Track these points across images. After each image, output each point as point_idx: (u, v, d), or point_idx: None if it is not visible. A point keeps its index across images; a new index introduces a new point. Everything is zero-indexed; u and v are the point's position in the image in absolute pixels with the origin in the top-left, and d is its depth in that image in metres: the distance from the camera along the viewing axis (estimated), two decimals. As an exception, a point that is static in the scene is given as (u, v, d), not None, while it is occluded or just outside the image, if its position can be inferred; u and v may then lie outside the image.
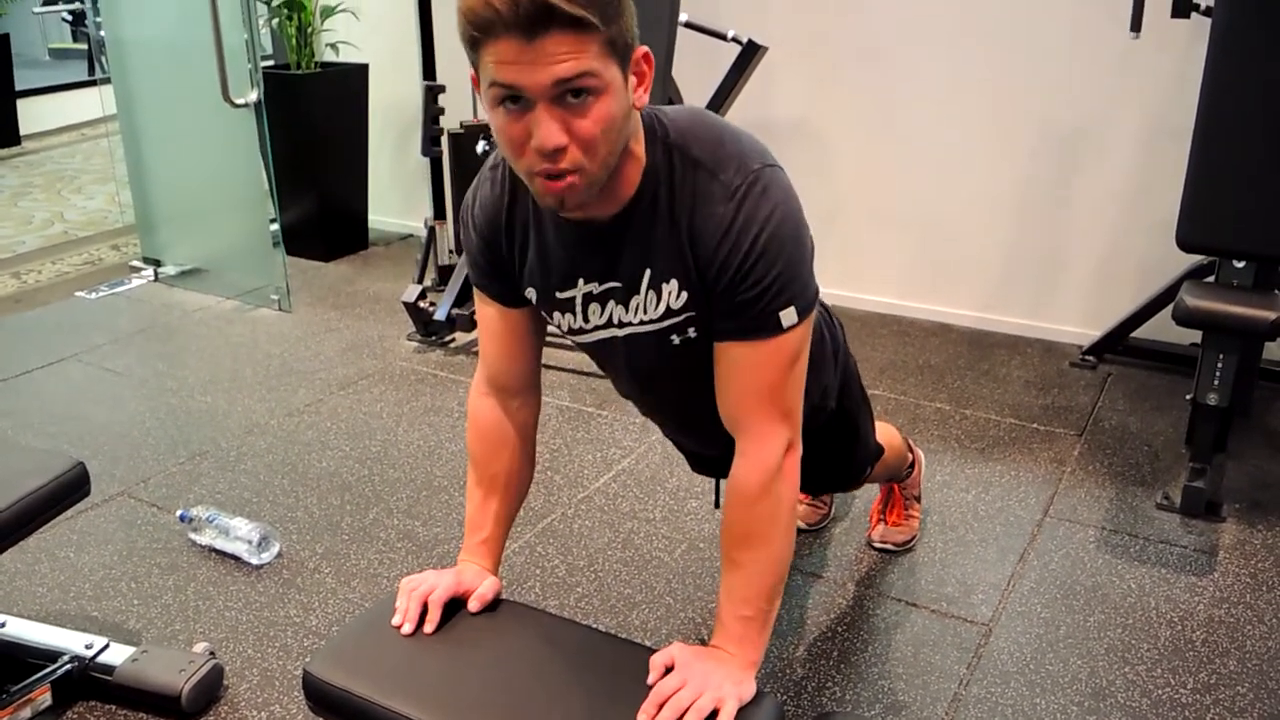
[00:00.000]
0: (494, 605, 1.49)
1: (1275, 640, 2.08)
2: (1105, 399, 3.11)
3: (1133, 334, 3.29)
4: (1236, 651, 2.05)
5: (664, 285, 1.39)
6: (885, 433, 2.12)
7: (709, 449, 1.79)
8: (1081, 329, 3.45)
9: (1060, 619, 2.15)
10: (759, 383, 1.39)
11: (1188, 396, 2.53)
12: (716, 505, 2.14)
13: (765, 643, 1.41)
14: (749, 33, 3.24)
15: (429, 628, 1.43)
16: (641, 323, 1.44)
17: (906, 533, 2.41)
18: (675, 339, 1.45)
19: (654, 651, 1.36)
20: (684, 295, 1.39)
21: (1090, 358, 3.34)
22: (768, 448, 1.40)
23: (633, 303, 1.43)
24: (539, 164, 1.23)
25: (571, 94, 1.19)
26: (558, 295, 1.47)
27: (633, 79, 1.26)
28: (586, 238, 1.40)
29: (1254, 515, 2.51)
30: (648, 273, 1.39)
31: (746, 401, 1.41)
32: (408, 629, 1.43)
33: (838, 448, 1.87)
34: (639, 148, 1.34)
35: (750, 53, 3.19)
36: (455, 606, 1.47)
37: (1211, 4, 2.59)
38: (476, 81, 1.27)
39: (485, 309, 1.56)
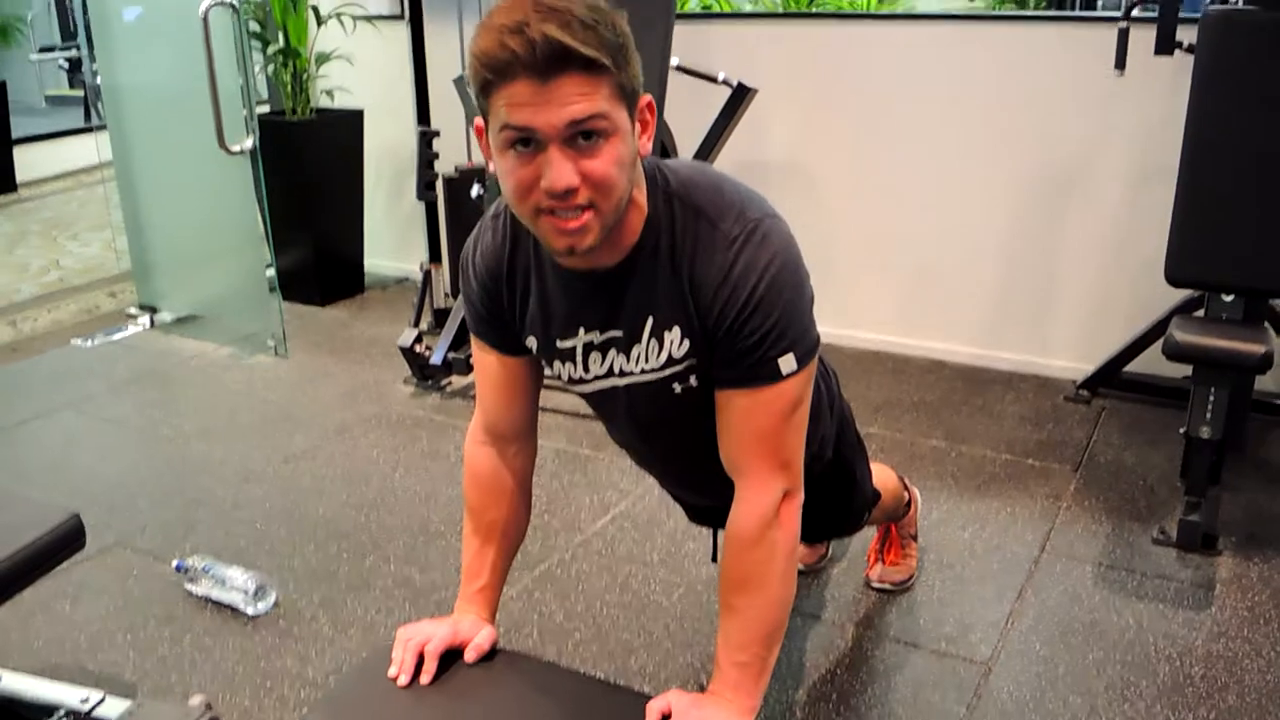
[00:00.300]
0: (490, 654, 1.49)
1: (1274, 674, 2.08)
2: (1100, 434, 3.12)
3: (1126, 368, 3.30)
4: (1236, 686, 2.05)
5: (666, 334, 1.40)
6: (881, 474, 2.12)
7: (706, 499, 1.79)
8: (1076, 364, 3.46)
9: (1059, 656, 2.15)
10: (757, 430, 1.40)
11: (1181, 430, 2.54)
12: (714, 559, 2.14)
13: (763, 688, 1.42)
14: (739, 76, 3.27)
15: (425, 679, 1.43)
16: (643, 372, 1.45)
17: (904, 572, 2.40)
18: (677, 387, 1.45)
19: (651, 699, 1.36)
20: (686, 343, 1.40)
21: (1085, 392, 3.35)
22: (765, 495, 1.41)
23: (634, 352, 1.44)
24: (547, 202, 1.23)
25: (583, 136, 1.21)
26: (558, 344, 1.48)
27: (639, 125, 1.28)
28: (588, 287, 1.41)
29: (1250, 548, 2.51)
30: (650, 321, 1.40)
31: (745, 449, 1.42)
32: (404, 680, 1.43)
33: (836, 495, 1.87)
34: (641, 197, 1.35)
35: (740, 95, 3.23)
36: (452, 656, 1.47)
37: (1194, 41, 2.62)
38: (481, 130, 1.29)
39: (484, 356, 1.57)
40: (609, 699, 1.45)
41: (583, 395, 1.57)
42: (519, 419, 1.59)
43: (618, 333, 1.43)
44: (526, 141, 1.21)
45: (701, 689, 1.44)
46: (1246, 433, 2.95)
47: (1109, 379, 3.33)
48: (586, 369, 1.49)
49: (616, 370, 1.47)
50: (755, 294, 1.33)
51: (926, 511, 2.67)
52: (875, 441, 3.10)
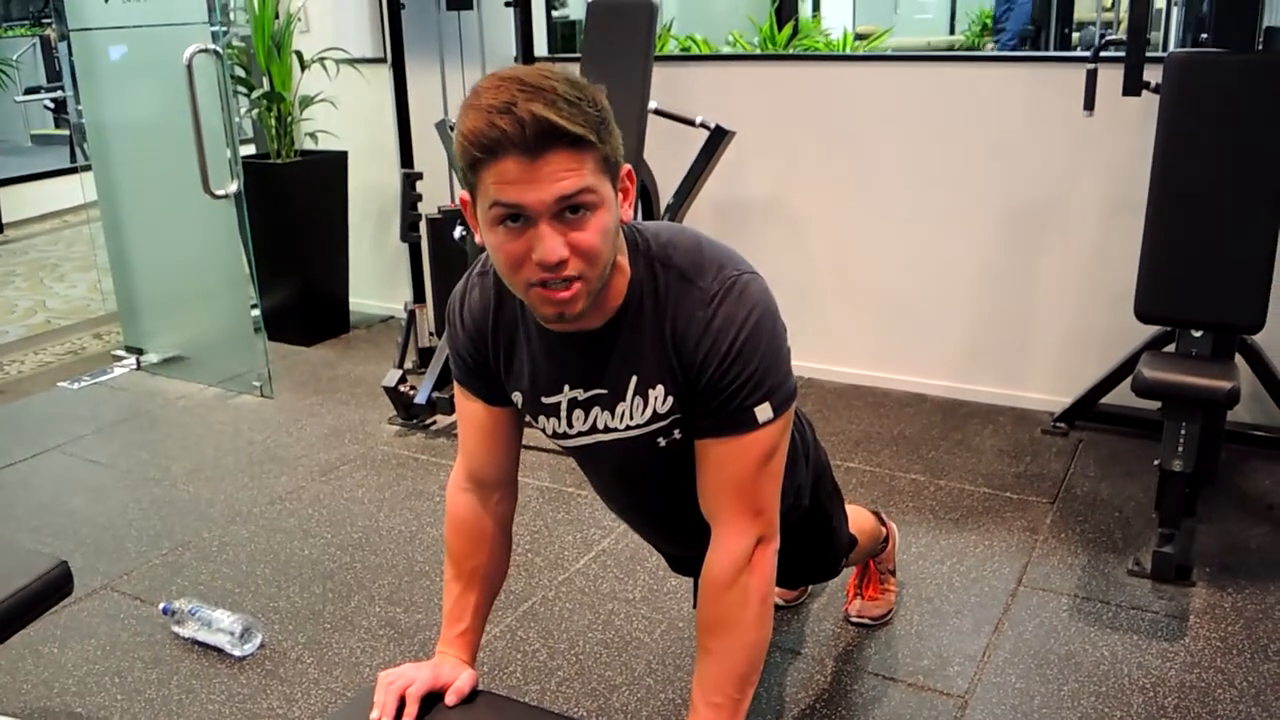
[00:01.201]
0: (472, 697, 1.52)
1: (1246, 705, 2.11)
2: (1076, 466, 3.17)
3: (1102, 400, 3.36)
4: (1208, 717, 2.08)
5: (650, 391, 1.44)
6: (857, 517, 2.15)
7: (687, 551, 1.81)
8: (1053, 396, 3.52)
9: (1035, 689, 2.18)
10: (733, 478, 1.44)
11: (1155, 462, 2.59)
12: (695, 605, 2.17)
13: (733, 733, 1.45)
14: (718, 118, 3.33)
15: (406, 722, 1.46)
16: (628, 428, 1.49)
17: (883, 606, 2.44)
18: (661, 441, 1.50)
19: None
20: (670, 399, 1.44)
21: (1061, 425, 3.40)
22: (739, 541, 1.45)
23: (619, 409, 1.48)
24: (538, 275, 1.27)
25: (570, 210, 1.24)
26: (543, 400, 1.52)
27: (620, 194, 1.33)
28: (574, 346, 1.45)
29: (1224, 579, 2.56)
30: (634, 379, 1.45)
31: (721, 496, 1.46)
32: (386, 724, 1.45)
33: (813, 543, 1.90)
34: (624, 260, 1.40)
35: (718, 138, 3.29)
36: (433, 700, 1.49)
37: (1160, 82, 2.69)
38: (466, 203, 1.33)
39: (467, 404, 1.59)
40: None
41: (566, 449, 1.60)
42: (501, 466, 1.62)
43: (602, 390, 1.47)
44: (516, 217, 1.25)
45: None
46: (1220, 464, 3.00)
47: (1085, 411, 3.38)
48: (570, 424, 1.52)
49: (601, 426, 1.50)
50: (734, 346, 1.38)
51: (905, 545, 2.71)
52: (855, 475, 3.14)
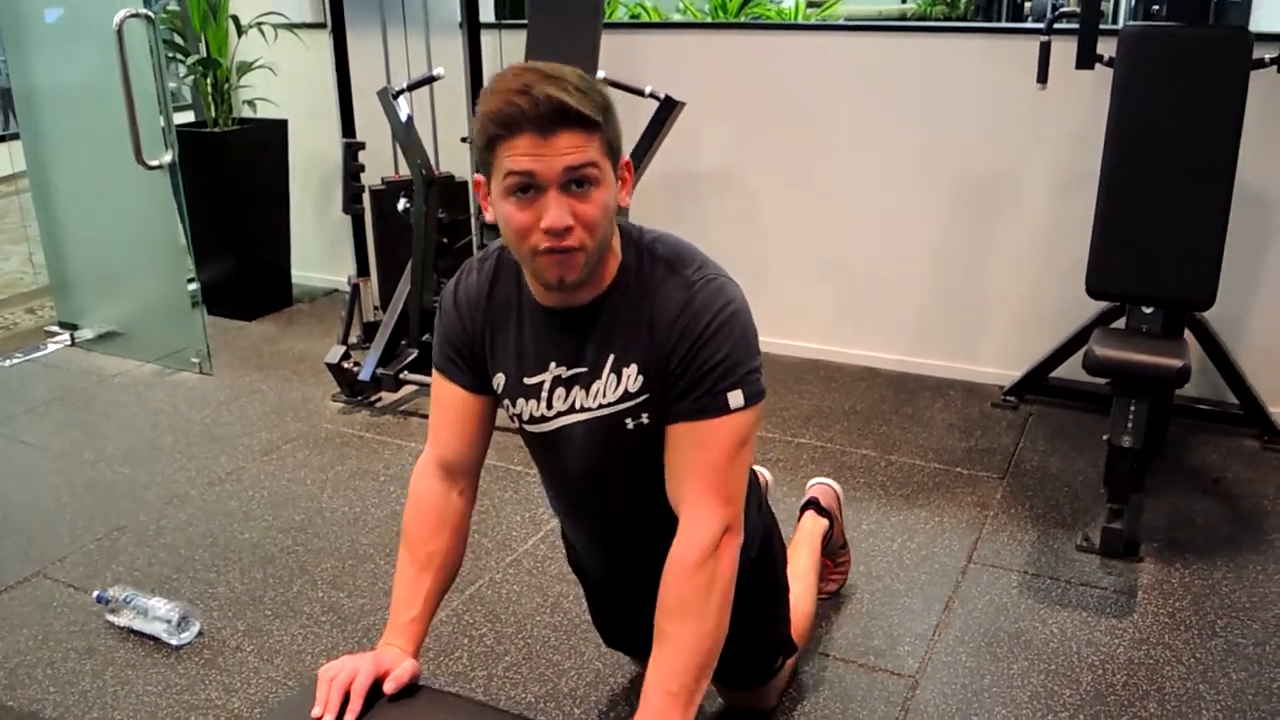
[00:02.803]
0: (413, 691, 1.47)
1: (1193, 681, 2.12)
2: (1026, 440, 3.17)
3: (1052, 374, 3.36)
4: (1156, 694, 2.09)
5: (624, 369, 1.52)
6: (801, 604, 2.09)
7: (631, 569, 1.77)
8: (1004, 369, 3.52)
9: (985, 668, 2.18)
10: (704, 462, 1.48)
11: (1105, 436, 2.59)
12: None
13: (688, 722, 1.42)
14: (668, 87, 3.27)
15: (349, 718, 1.42)
16: (600, 406, 1.55)
17: (838, 582, 2.43)
18: (629, 423, 1.54)
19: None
20: (641, 379, 1.51)
21: (1011, 398, 3.40)
22: (708, 525, 1.48)
23: (594, 387, 1.54)
24: (545, 242, 1.39)
25: (576, 182, 1.37)
26: (526, 381, 1.58)
27: (619, 181, 1.45)
28: (561, 323, 1.54)
29: (1172, 554, 2.57)
30: (611, 357, 1.52)
31: (691, 480, 1.49)
32: None
33: (756, 608, 1.82)
34: (617, 245, 1.52)
35: (668, 108, 3.23)
36: (376, 693, 1.45)
37: (1113, 55, 2.67)
38: (480, 184, 1.47)
39: (446, 391, 1.65)
40: (533, 736, 1.44)
41: (538, 437, 1.64)
42: (471, 457, 1.66)
43: (582, 369, 1.55)
44: (526, 188, 1.37)
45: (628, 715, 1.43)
46: (1168, 438, 3.01)
47: (1035, 385, 3.39)
48: (550, 405, 1.58)
49: (577, 406, 1.57)
50: (709, 329, 1.47)
51: (856, 523, 2.69)
52: (806, 451, 3.12)
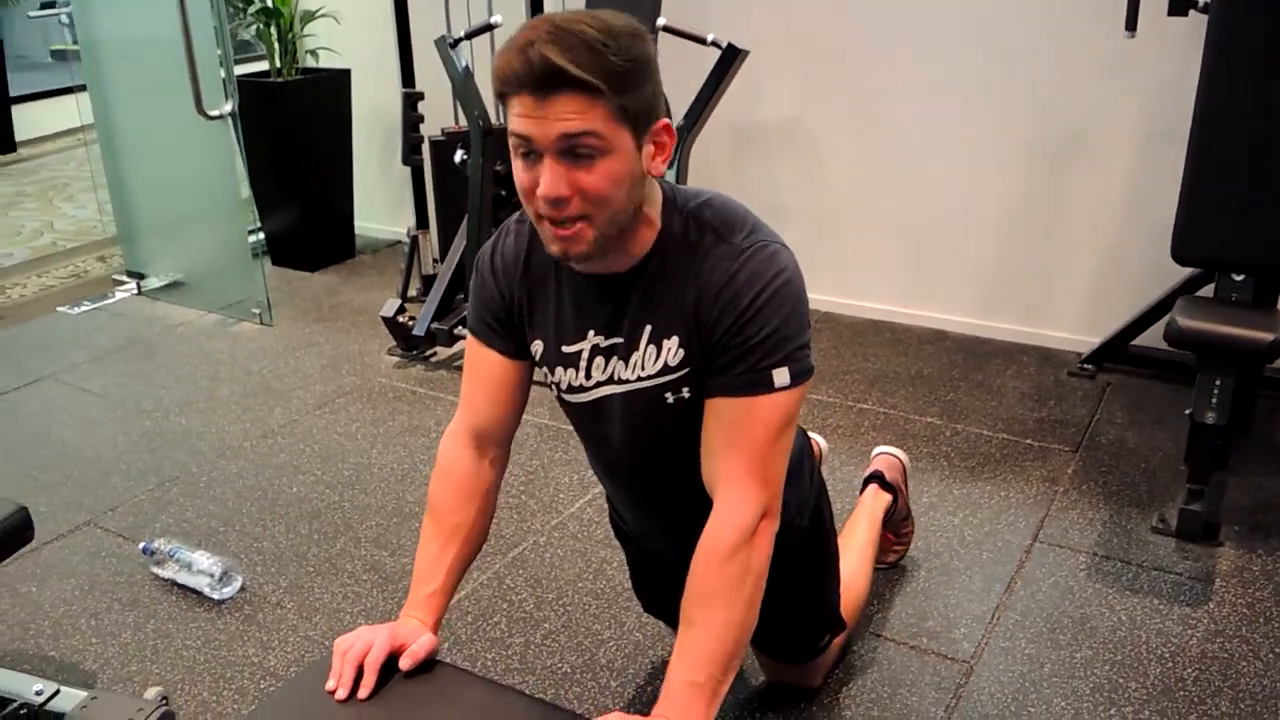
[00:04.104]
0: (430, 666, 1.42)
1: (1270, 679, 1.98)
2: (1103, 411, 3.01)
3: (1134, 342, 3.18)
4: (1230, 691, 1.96)
5: (664, 341, 1.43)
6: (856, 580, 2.03)
7: (676, 545, 1.71)
8: (1081, 335, 3.35)
9: (1045, 655, 2.06)
10: (745, 440, 1.39)
11: (1187, 411, 2.43)
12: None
13: (711, 716, 1.34)
14: (731, 36, 3.14)
15: (364, 692, 1.37)
16: (639, 379, 1.46)
17: (900, 554, 2.34)
18: (669, 397, 1.46)
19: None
20: (681, 352, 1.42)
21: (1089, 366, 3.24)
22: (746, 508, 1.39)
23: (633, 359, 1.46)
24: (544, 209, 1.30)
25: (575, 152, 1.26)
26: (564, 350, 1.50)
27: (650, 147, 1.33)
28: (598, 291, 1.45)
29: (1254, 538, 2.41)
30: (648, 328, 1.43)
31: (730, 459, 1.40)
32: (342, 694, 1.36)
33: (804, 579, 1.77)
34: (654, 214, 1.41)
35: (731, 57, 3.10)
36: (392, 666, 1.40)
37: (1209, 1, 2.48)
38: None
39: (480, 356, 1.57)
40: (548, 720, 1.38)
41: (578, 407, 1.57)
42: (504, 424, 1.58)
43: (619, 339, 1.46)
44: (529, 152, 1.28)
45: (648, 709, 1.36)
46: (1254, 414, 2.84)
47: (1115, 353, 3.22)
48: (589, 375, 1.50)
49: (616, 377, 1.48)
50: (757, 301, 1.36)
51: (916, 495, 2.58)
52: (868, 418, 3.00)
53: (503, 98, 1.29)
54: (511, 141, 1.30)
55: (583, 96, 1.24)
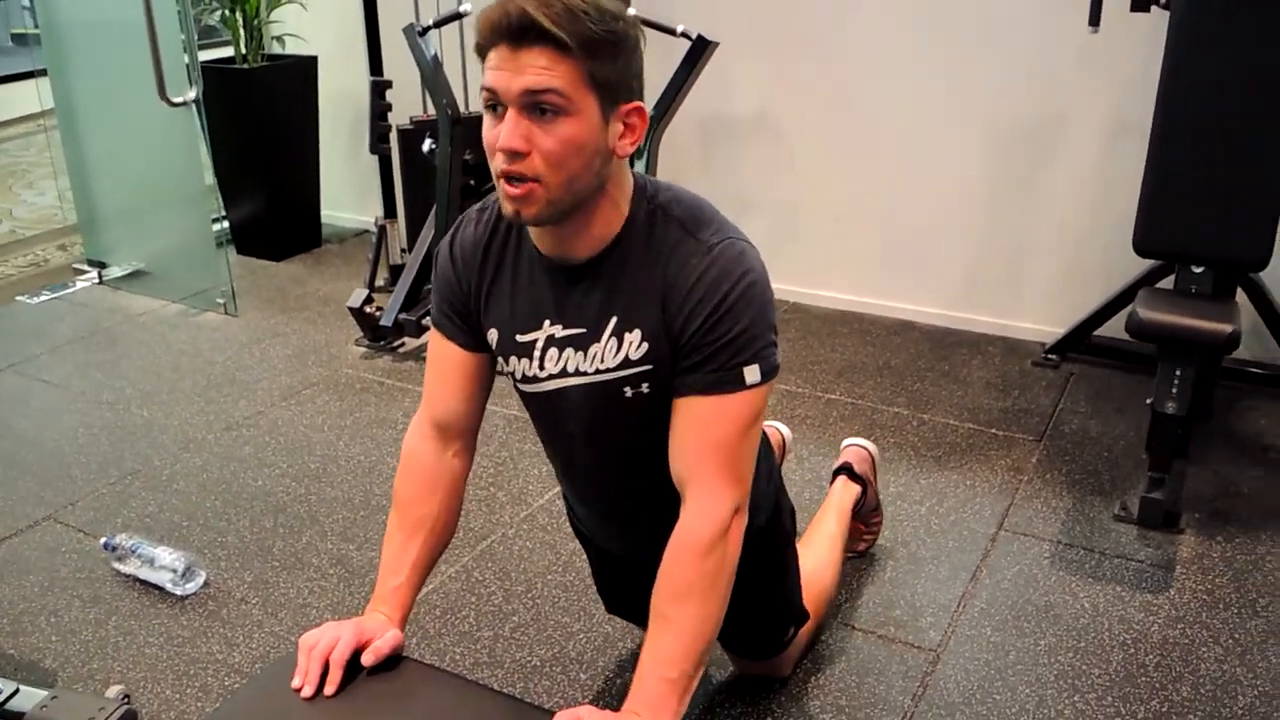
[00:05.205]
0: (396, 663, 1.41)
1: (1230, 664, 2.01)
2: (1067, 401, 3.04)
3: (1096, 332, 3.22)
4: (1190, 677, 1.99)
5: (627, 334, 1.42)
6: (821, 572, 2.04)
7: (636, 546, 1.72)
8: (1046, 326, 3.38)
9: (1010, 643, 2.08)
10: (717, 438, 1.39)
11: (1148, 401, 2.46)
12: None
13: (682, 712, 1.35)
14: (701, 26, 3.13)
15: (330, 689, 1.36)
16: (597, 371, 1.45)
17: (869, 543, 2.35)
18: (628, 391, 1.45)
19: (558, 712, 1.29)
20: (645, 346, 1.42)
21: (1053, 357, 3.27)
22: (719, 505, 1.39)
23: (592, 350, 1.45)
24: (502, 164, 1.29)
25: (539, 109, 1.27)
26: (518, 339, 1.49)
27: (619, 126, 1.34)
28: (559, 279, 1.44)
29: (1213, 526, 2.44)
30: (613, 319, 1.42)
31: (702, 457, 1.40)
32: (308, 691, 1.36)
33: (763, 578, 1.76)
34: (622, 199, 1.40)
35: (700, 48, 3.09)
36: (359, 662, 1.39)
37: (1171, -4, 2.50)
38: None
39: (442, 349, 1.57)
40: (516, 716, 1.38)
41: (534, 397, 1.56)
42: (466, 417, 1.58)
43: (580, 330, 1.45)
44: (495, 106, 1.29)
45: (619, 704, 1.36)
46: (1214, 403, 2.87)
47: (1078, 343, 3.25)
48: (542, 366, 1.49)
49: (571, 369, 1.47)
50: (727, 300, 1.36)
51: (884, 484, 2.59)
52: (836, 408, 3.02)
53: (482, 53, 1.30)
54: (483, 96, 1.31)
55: (553, 52, 1.25)
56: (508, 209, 1.34)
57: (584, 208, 1.36)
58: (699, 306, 1.36)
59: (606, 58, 1.28)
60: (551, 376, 1.49)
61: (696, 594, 1.38)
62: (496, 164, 1.31)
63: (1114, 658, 2.04)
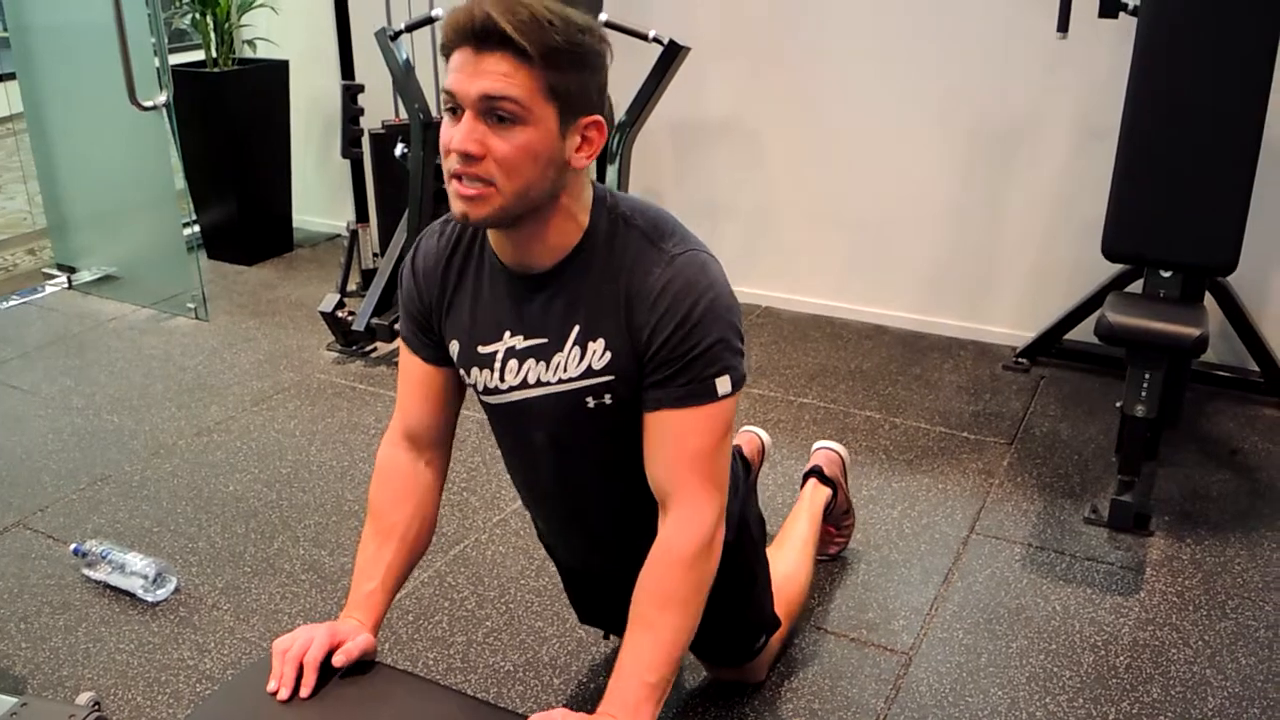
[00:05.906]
0: (369, 667, 1.41)
1: (1200, 665, 2.03)
2: (1037, 404, 3.07)
3: (1066, 336, 3.24)
4: (1160, 678, 2.00)
5: (590, 343, 1.42)
6: (793, 581, 2.04)
7: (601, 558, 1.73)
8: (1016, 330, 3.40)
9: (982, 645, 2.10)
10: (694, 450, 1.40)
11: (1118, 404, 2.48)
12: (606, 635, 2.08)
13: (655, 716, 1.35)
14: (673, 32, 3.14)
15: (304, 691, 1.36)
16: (560, 381, 1.45)
17: (841, 546, 2.36)
18: (590, 402, 1.45)
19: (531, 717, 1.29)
20: (608, 356, 1.42)
21: (1023, 361, 3.29)
22: (703, 516, 1.41)
23: (554, 360, 1.45)
24: (455, 166, 1.29)
25: (496, 115, 1.27)
26: (479, 350, 1.49)
27: (577, 139, 1.33)
28: (520, 290, 1.44)
29: (1183, 528, 2.47)
30: (575, 329, 1.42)
31: (681, 469, 1.41)
32: (284, 694, 1.35)
33: (733, 590, 1.74)
34: (579, 210, 1.40)
35: (672, 54, 3.10)
36: (332, 666, 1.39)
37: (1139, 3, 2.53)
38: None
39: (410, 362, 1.58)
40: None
41: (496, 409, 1.56)
42: (438, 427, 1.60)
43: (542, 340, 1.45)
44: (454, 109, 1.29)
45: (593, 706, 1.36)
46: (1183, 406, 2.90)
47: (1048, 347, 3.28)
48: (503, 378, 1.49)
49: (533, 380, 1.47)
50: (694, 313, 1.36)
51: (856, 489, 2.60)
52: (809, 412, 3.03)
53: (447, 54, 1.29)
54: (443, 99, 1.31)
55: (514, 59, 1.25)
56: (457, 209, 1.34)
57: (538, 216, 1.36)
58: (665, 318, 1.37)
59: (568, 69, 1.28)
60: (513, 388, 1.49)
61: (679, 603, 1.40)
62: (450, 164, 1.31)
63: (1085, 659, 2.06)
